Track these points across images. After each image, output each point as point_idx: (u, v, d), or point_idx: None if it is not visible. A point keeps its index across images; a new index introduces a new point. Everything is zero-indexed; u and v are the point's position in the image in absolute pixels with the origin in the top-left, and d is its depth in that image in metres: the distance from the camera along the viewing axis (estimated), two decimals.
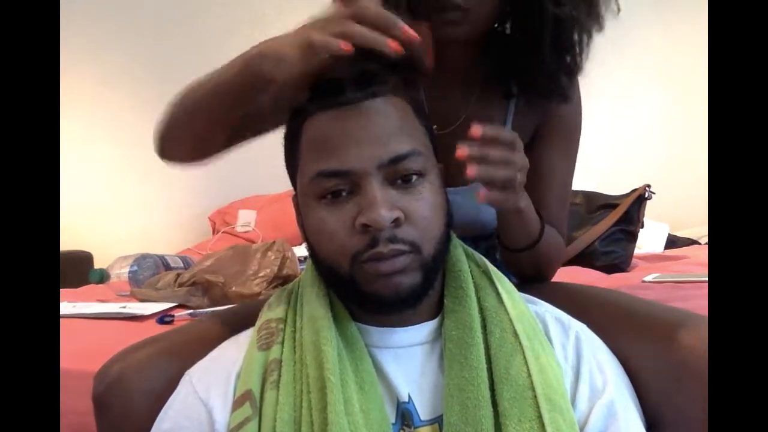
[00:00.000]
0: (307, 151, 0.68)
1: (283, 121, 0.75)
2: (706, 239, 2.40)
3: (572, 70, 0.88)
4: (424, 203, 0.67)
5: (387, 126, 0.66)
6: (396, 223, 0.65)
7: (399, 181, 0.66)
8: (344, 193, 0.66)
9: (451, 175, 0.75)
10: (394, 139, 0.66)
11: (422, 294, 0.68)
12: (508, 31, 0.91)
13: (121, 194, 2.98)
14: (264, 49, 0.70)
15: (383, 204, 0.64)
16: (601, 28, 0.85)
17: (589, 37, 0.86)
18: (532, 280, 0.94)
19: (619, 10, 0.86)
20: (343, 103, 0.66)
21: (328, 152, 0.65)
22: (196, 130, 0.83)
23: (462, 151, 0.68)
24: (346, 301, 0.71)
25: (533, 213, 0.85)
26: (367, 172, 0.64)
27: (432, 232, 0.67)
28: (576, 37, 0.84)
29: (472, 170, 0.68)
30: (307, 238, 0.72)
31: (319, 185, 0.67)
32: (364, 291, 0.67)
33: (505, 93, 0.92)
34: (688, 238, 2.53)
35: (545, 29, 0.81)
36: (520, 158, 0.74)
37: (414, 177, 0.67)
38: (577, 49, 0.86)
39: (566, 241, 1.00)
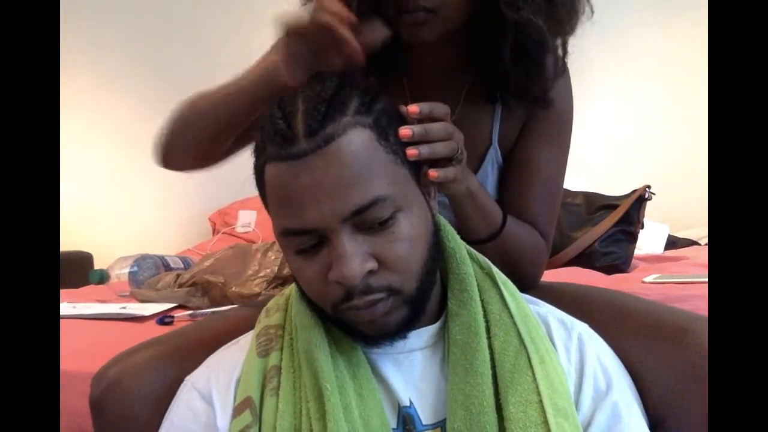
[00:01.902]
0: (271, 201, 0.65)
1: None
2: (706, 240, 2.40)
3: (544, 75, 0.85)
4: (400, 243, 0.63)
5: (345, 176, 0.61)
6: (370, 272, 0.62)
7: (371, 224, 0.63)
8: (314, 240, 0.63)
9: None
10: (353, 190, 0.61)
11: (412, 324, 0.67)
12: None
13: (121, 194, 2.98)
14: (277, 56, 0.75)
15: (353, 258, 0.61)
16: (572, 30, 0.83)
17: (560, 41, 0.84)
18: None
19: (592, 12, 0.84)
20: (297, 156, 0.61)
21: (289, 209, 0.62)
22: (208, 133, 0.86)
23: (405, 132, 0.66)
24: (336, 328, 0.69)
25: (489, 200, 0.85)
26: (331, 228, 0.61)
27: (412, 269, 0.64)
28: (540, 41, 0.80)
29: (412, 151, 0.67)
30: None
31: (287, 241, 0.64)
32: (350, 329, 0.67)
33: (488, 98, 0.90)
34: (688, 239, 2.53)
35: (505, 34, 0.80)
36: (459, 134, 0.73)
37: (387, 220, 0.63)
38: (546, 55, 0.83)
39: (550, 244, 0.94)
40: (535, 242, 0.91)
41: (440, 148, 0.69)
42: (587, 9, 0.84)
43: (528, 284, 0.89)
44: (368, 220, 0.62)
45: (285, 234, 0.64)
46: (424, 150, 0.67)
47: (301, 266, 0.65)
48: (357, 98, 0.64)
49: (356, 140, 0.62)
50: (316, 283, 0.64)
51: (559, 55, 0.85)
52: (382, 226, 0.63)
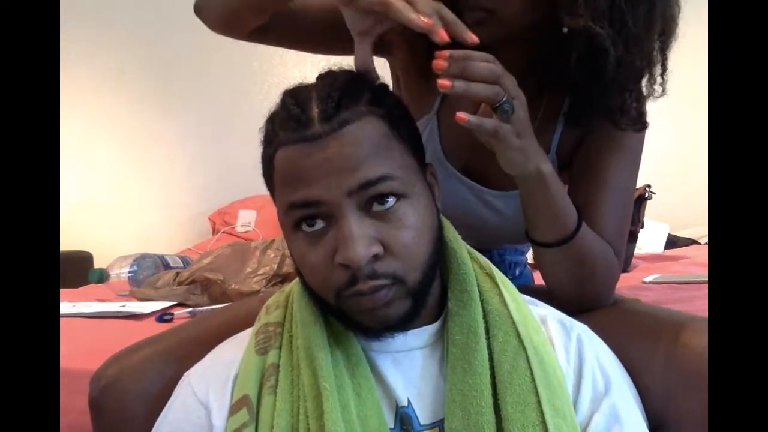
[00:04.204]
0: (279, 183, 0.65)
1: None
2: (706, 239, 2.41)
3: (621, 91, 0.78)
4: (405, 231, 0.63)
5: (356, 154, 0.62)
6: (375, 257, 0.62)
7: (375, 205, 0.62)
8: (319, 223, 0.63)
9: (494, 176, 0.72)
10: (363, 166, 0.61)
11: (413, 318, 0.67)
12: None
13: (121, 194, 2.98)
14: None
15: (359, 240, 0.61)
16: (651, 42, 0.76)
17: (641, 55, 0.77)
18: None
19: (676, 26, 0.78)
20: (311, 138, 0.62)
21: (296, 183, 0.63)
22: (232, 5, 0.85)
23: (440, 62, 0.62)
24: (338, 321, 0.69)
25: (565, 194, 0.77)
26: (338, 202, 0.61)
27: (417, 259, 0.64)
28: (603, 50, 0.74)
29: (444, 82, 0.62)
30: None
31: (292, 215, 0.64)
32: (351, 320, 0.66)
33: (556, 109, 0.85)
34: (689, 238, 2.54)
35: (570, 44, 0.74)
36: (511, 82, 0.66)
37: (390, 200, 0.63)
38: (618, 67, 0.75)
39: (621, 261, 0.85)
40: (609, 257, 0.83)
41: (479, 88, 0.64)
42: (675, 23, 0.78)
43: (598, 304, 0.83)
44: (375, 197, 0.62)
45: (290, 208, 0.64)
46: (459, 85, 0.63)
47: (305, 251, 0.65)
48: (369, 91, 0.65)
49: (369, 126, 0.63)
50: (321, 268, 0.64)
51: (651, 72, 0.80)
52: (389, 211, 0.63)
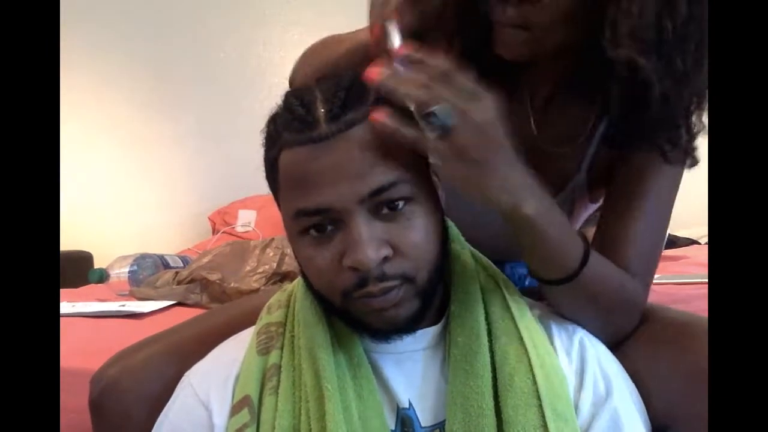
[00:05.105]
0: (285, 186, 0.64)
1: None
2: (706, 239, 2.40)
3: (662, 124, 0.73)
4: (414, 231, 0.63)
5: (365, 158, 0.60)
6: (385, 259, 0.61)
7: (385, 210, 0.62)
8: (328, 228, 0.62)
9: None
10: (373, 171, 0.60)
11: (421, 319, 0.66)
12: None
13: (121, 194, 2.98)
14: None
15: (369, 243, 0.60)
16: (702, 84, 0.70)
17: (689, 95, 0.71)
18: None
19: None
20: (317, 139, 0.61)
21: (306, 190, 0.61)
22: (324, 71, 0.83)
23: (372, 72, 0.60)
24: (343, 323, 0.69)
25: (564, 234, 0.69)
26: (348, 209, 0.60)
27: (425, 258, 0.64)
28: (647, 84, 0.68)
29: (372, 73, 0.60)
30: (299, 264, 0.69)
31: (300, 223, 0.63)
32: (359, 322, 0.66)
33: (593, 126, 0.81)
34: (688, 238, 2.53)
35: (612, 71, 0.69)
36: (456, 92, 0.59)
37: (400, 203, 0.62)
38: (661, 102, 0.70)
39: (647, 293, 0.79)
40: (628, 290, 0.76)
41: (402, 89, 0.59)
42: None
43: (618, 339, 0.76)
44: (385, 203, 0.61)
45: (297, 215, 0.63)
46: (388, 81, 0.60)
47: (312, 255, 0.64)
48: (375, 91, 0.64)
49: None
50: (328, 271, 0.63)
51: (700, 107, 0.74)
52: (397, 212, 0.62)
